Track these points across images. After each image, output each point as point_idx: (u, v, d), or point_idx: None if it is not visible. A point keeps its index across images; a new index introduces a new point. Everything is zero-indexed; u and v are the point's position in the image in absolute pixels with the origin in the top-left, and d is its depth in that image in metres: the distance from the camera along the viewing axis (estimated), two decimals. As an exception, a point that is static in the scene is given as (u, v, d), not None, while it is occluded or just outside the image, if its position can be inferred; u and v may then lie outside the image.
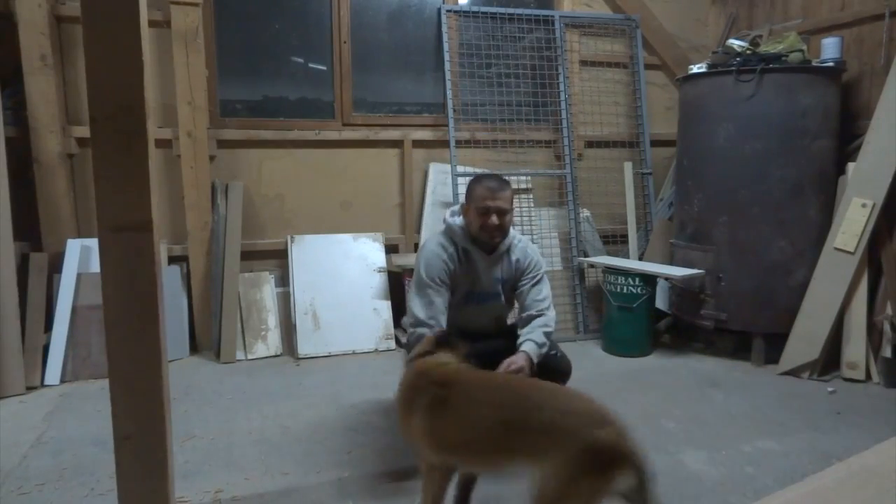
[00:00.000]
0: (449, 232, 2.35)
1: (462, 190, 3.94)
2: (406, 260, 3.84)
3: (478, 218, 2.25)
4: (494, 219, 2.24)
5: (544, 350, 2.20)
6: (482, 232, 2.26)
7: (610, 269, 3.64)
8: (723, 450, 2.40)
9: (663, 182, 4.45)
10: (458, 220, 2.35)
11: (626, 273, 3.55)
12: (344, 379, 3.20)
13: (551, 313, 2.36)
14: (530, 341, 2.19)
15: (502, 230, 2.27)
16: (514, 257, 2.39)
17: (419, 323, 2.19)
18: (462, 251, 2.31)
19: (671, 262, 3.79)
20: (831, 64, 3.34)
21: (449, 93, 3.97)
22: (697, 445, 2.44)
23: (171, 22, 3.41)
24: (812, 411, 2.77)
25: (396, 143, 4.01)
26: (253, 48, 3.81)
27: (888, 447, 1.67)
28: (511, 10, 4.09)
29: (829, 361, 3.18)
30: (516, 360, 2.07)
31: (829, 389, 3.00)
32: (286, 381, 3.18)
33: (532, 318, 2.31)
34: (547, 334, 2.24)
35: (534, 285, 2.37)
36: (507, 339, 2.31)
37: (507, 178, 4.09)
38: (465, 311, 2.34)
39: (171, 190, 3.60)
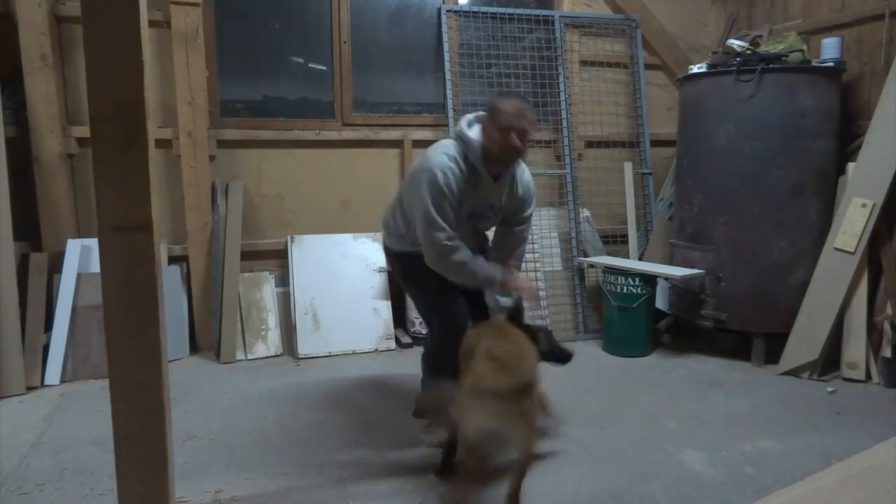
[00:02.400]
0: (463, 146, 2.26)
1: (462, 190, 3.95)
2: (406, 260, 3.84)
3: (500, 135, 2.17)
4: (516, 139, 2.18)
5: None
6: (503, 152, 2.20)
7: (610, 269, 3.64)
8: (723, 450, 2.40)
9: (663, 182, 4.45)
10: (475, 134, 2.26)
11: (625, 273, 3.55)
12: (344, 379, 3.20)
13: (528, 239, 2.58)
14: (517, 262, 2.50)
15: (521, 154, 2.24)
16: (518, 190, 2.39)
17: (449, 237, 2.21)
18: (471, 169, 2.25)
19: (671, 262, 3.79)
20: (831, 64, 3.34)
21: (449, 93, 3.97)
22: (697, 445, 2.44)
23: (171, 22, 3.41)
24: (812, 411, 2.77)
25: (396, 143, 4.01)
26: (253, 48, 3.81)
27: (888, 447, 1.67)
28: (511, 10, 4.08)
29: (829, 361, 3.18)
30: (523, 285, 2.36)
31: (829, 389, 3.00)
32: (286, 381, 3.18)
33: (512, 234, 2.49)
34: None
35: (527, 217, 2.49)
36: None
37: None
38: (460, 229, 2.31)
39: (171, 190, 3.60)
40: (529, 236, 2.51)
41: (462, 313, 2.37)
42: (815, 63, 3.35)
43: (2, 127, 2.95)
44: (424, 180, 2.21)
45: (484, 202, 2.34)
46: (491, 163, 2.25)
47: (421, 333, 3.74)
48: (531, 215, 2.52)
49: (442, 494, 2.08)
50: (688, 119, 3.68)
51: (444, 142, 2.34)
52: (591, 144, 4.34)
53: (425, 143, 4.04)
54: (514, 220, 2.48)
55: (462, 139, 2.27)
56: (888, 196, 3.09)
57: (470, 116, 2.33)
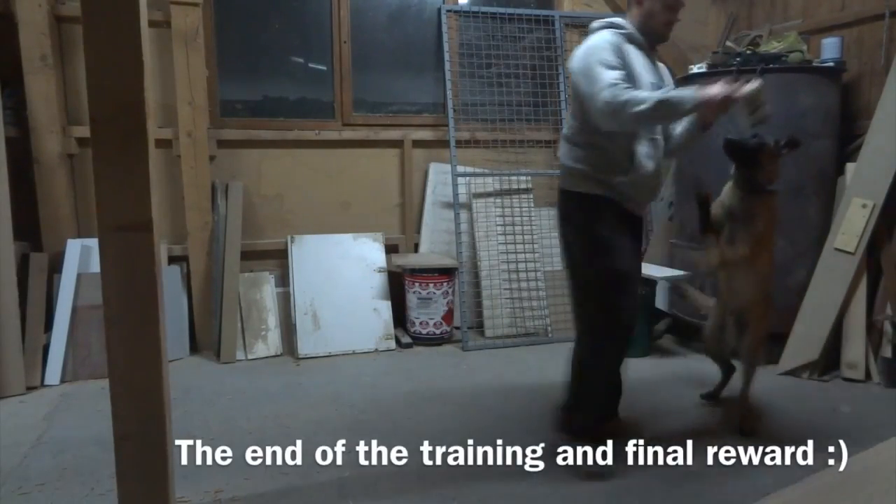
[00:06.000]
0: (619, 28, 2.20)
1: (462, 190, 3.95)
2: (406, 260, 3.84)
3: (665, 12, 2.15)
4: (676, 16, 2.18)
5: None
6: (665, 28, 2.18)
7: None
8: (723, 449, 2.40)
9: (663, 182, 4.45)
10: (626, 20, 2.24)
11: (626, 273, 3.55)
12: (344, 379, 3.20)
13: None
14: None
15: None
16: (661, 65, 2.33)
17: (617, 76, 2.02)
18: (629, 39, 2.18)
19: (671, 263, 3.78)
20: (831, 64, 3.34)
21: (449, 93, 3.97)
22: (697, 445, 2.44)
23: (171, 22, 3.41)
24: (812, 411, 2.77)
25: (396, 143, 4.01)
26: (253, 48, 3.81)
27: (888, 447, 1.67)
28: (511, 10, 4.09)
29: (829, 361, 3.18)
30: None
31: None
32: (286, 381, 3.18)
33: None
34: None
35: None
36: None
37: (506, 178, 4.07)
38: None
39: (171, 190, 3.59)
40: None
41: (635, 311, 2.26)
42: (815, 63, 3.35)
43: (2, 127, 2.95)
44: (585, 54, 2.11)
45: (652, 76, 2.23)
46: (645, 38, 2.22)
47: (421, 333, 3.74)
48: None
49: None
50: (688, 119, 3.67)
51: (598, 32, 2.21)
52: (591, 144, 4.33)
53: (425, 143, 4.06)
54: None
55: (614, 25, 2.20)
56: (888, 196, 3.09)
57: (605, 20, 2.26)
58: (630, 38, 2.18)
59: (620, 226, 2.21)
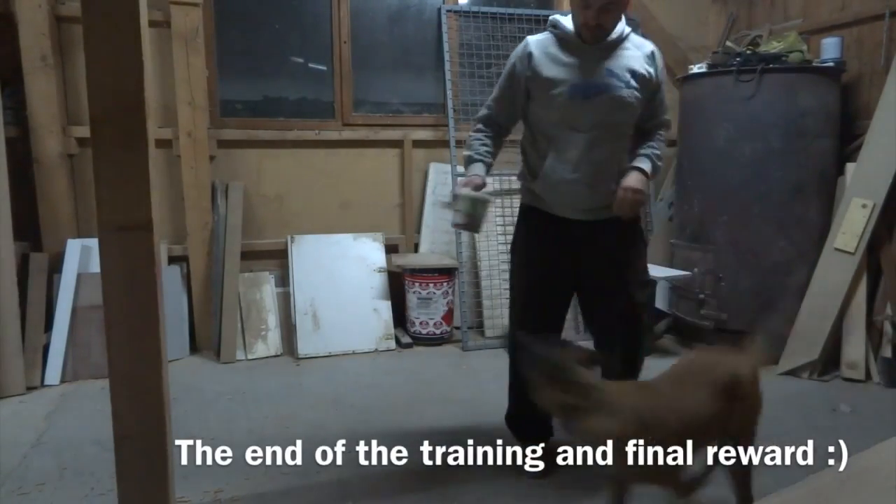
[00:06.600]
0: (552, 24, 2.12)
1: (462, 190, 3.95)
2: (406, 260, 3.84)
3: (582, 13, 1.97)
4: (596, 17, 1.94)
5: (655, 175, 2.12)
6: (584, 29, 1.99)
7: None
8: (723, 449, 2.40)
9: (663, 182, 4.45)
10: (567, 18, 2.11)
11: (626, 273, 3.55)
12: (344, 379, 3.20)
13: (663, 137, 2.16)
14: (645, 157, 2.05)
15: (604, 30, 2.00)
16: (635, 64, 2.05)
17: (487, 112, 2.25)
18: (560, 38, 2.08)
19: (671, 263, 3.79)
20: (831, 64, 3.34)
21: (449, 93, 3.97)
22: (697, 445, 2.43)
23: (171, 22, 3.41)
24: (812, 411, 2.77)
25: (396, 143, 4.01)
26: (253, 48, 3.81)
27: (888, 447, 1.67)
28: (511, 10, 4.08)
29: (829, 361, 3.18)
30: (630, 182, 1.97)
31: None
32: (286, 381, 3.18)
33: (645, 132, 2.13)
34: (656, 160, 2.08)
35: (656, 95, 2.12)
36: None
37: (506, 178, 4.07)
38: (569, 111, 2.02)
39: (171, 190, 3.59)
40: (662, 135, 2.15)
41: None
42: (815, 63, 3.36)
43: (2, 127, 2.95)
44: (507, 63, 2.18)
45: (594, 69, 2.02)
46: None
47: (421, 333, 3.74)
48: (662, 100, 2.15)
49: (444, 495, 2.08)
50: (688, 119, 3.67)
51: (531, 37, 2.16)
52: (591, 144, 4.33)
53: (425, 143, 4.06)
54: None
55: (553, 24, 2.11)
56: (888, 196, 3.09)
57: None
58: (561, 38, 2.08)
59: (551, 241, 2.14)
